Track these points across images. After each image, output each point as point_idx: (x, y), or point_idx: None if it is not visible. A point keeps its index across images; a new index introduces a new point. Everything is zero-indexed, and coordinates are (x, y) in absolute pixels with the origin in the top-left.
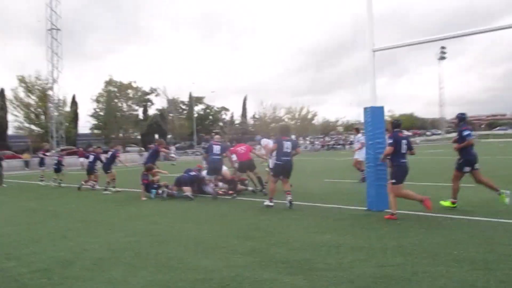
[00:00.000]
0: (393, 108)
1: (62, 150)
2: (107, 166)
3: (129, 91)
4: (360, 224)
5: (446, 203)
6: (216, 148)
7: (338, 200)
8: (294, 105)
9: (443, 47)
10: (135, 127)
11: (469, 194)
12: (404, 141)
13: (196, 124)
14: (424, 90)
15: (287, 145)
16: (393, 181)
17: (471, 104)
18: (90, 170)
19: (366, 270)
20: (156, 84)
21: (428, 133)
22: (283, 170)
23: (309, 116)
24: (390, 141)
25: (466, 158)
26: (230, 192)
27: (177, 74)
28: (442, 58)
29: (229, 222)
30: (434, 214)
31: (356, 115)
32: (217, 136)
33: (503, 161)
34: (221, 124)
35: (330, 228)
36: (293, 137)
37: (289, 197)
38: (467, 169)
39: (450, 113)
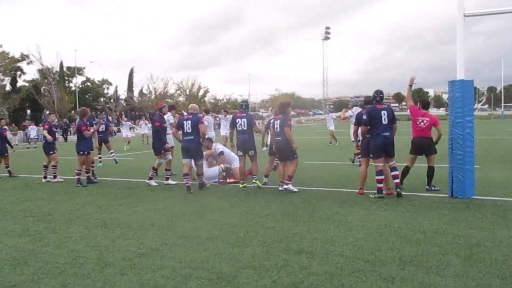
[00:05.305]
0: (279, 87)
1: None
2: (50, 145)
3: None
4: (498, 214)
5: None
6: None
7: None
8: (185, 81)
9: (327, 27)
10: (3, 101)
11: None
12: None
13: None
14: (302, 70)
15: (188, 123)
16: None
17: (343, 85)
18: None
19: None
20: (28, 50)
21: (310, 113)
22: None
23: (201, 93)
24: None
25: None
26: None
27: (51, 42)
28: (327, 38)
29: (366, 222)
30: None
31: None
32: None
33: None
34: (103, 99)
35: (480, 222)
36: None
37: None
38: None
39: (331, 93)
